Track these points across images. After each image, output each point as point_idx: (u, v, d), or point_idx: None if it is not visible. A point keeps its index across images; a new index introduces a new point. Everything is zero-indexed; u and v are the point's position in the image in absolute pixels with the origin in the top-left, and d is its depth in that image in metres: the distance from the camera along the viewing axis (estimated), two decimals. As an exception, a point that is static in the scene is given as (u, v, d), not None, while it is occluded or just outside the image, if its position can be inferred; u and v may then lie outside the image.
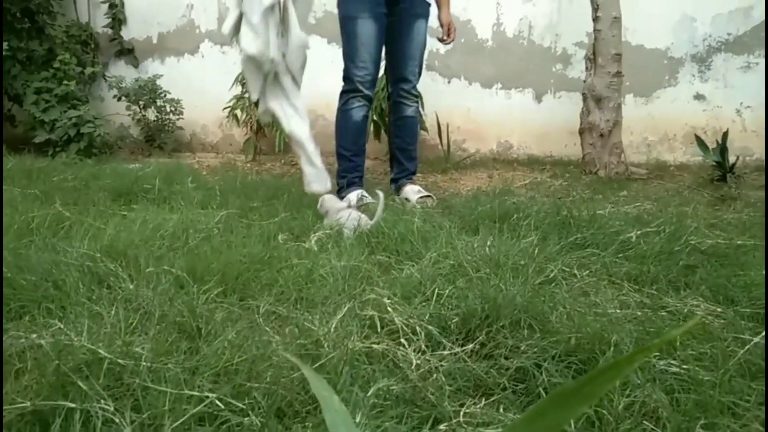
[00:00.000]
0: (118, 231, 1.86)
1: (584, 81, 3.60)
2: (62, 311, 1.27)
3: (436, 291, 1.44)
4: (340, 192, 2.89)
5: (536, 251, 1.77)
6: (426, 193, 2.87)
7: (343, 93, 2.90)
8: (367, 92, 2.82)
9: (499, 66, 4.25)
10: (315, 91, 4.38)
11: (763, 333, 1.24)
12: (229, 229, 2.06)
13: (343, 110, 2.90)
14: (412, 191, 2.90)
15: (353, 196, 2.76)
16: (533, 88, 4.23)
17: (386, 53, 2.93)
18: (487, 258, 1.74)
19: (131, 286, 1.36)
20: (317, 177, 2.50)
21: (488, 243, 1.83)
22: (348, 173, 2.91)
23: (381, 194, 2.18)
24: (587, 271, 1.69)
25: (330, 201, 2.34)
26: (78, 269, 1.50)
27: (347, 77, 2.85)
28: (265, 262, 1.70)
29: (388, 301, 1.32)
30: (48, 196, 2.43)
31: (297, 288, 1.51)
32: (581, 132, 3.61)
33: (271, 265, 1.69)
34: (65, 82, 4.05)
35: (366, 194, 2.79)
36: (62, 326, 1.14)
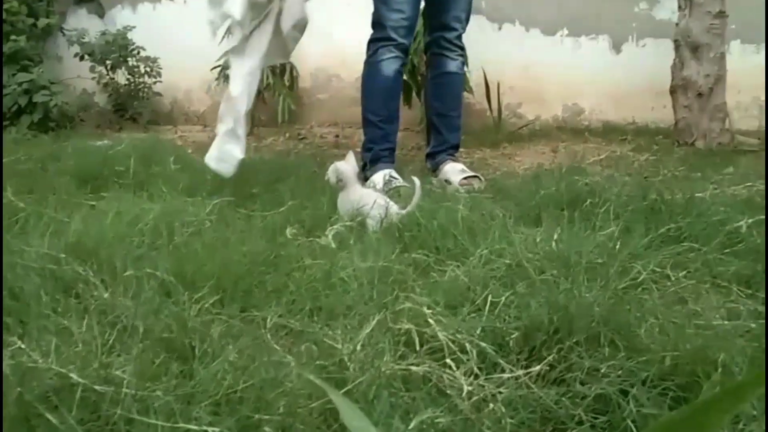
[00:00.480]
0: (86, 225, 1.90)
1: (676, 24, 3.55)
2: (22, 326, 1.31)
3: (489, 298, 1.45)
4: (364, 169, 2.92)
5: (617, 246, 1.76)
6: (471, 173, 2.88)
7: (371, 42, 2.92)
8: (402, 41, 2.85)
9: (565, 6, 4.21)
10: (326, 43, 4.43)
11: None
12: (224, 222, 2.09)
13: (371, 62, 2.91)
14: (454, 171, 2.91)
15: (379, 177, 2.79)
16: (609, 34, 4.18)
17: None
18: (554, 255, 1.74)
19: (106, 295, 1.40)
20: (226, 152, 2.53)
21: (554, 236, 1.82)
22: (375, 144, 2.94)
23: (417, 181, 2.17)
24: (684, 272, 1.68)
25: (348, 173, 2.26)
26: (39, 273, 1.54)
27: (377, 22, 2.88)
28: (270, 262, 1.73)
29: (428, 311, 1.33)
30: (-5, 184, 2.49)
31: (312, 295, 1.53)
32: (673, 91, 3.56)
33: (278, 266, 1.71)
34: (13, 37, 4.13)
35: (396, 175, 2.81)
36: (23, 345, 1.17)
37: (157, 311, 1.33)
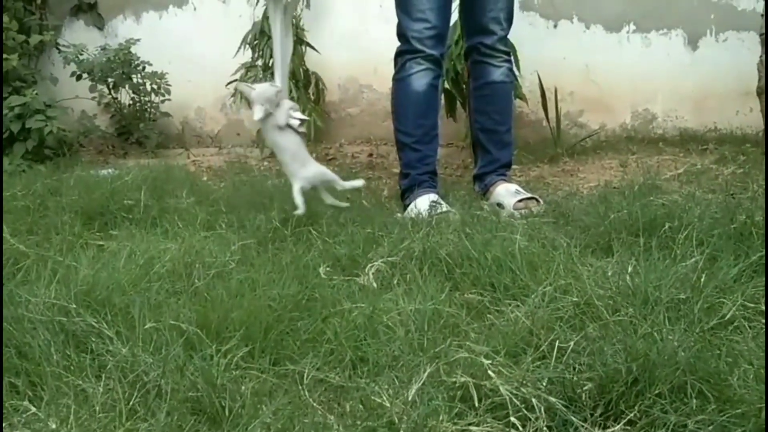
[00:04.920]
0: (95, 270, 1.97)
1: (762, 15, 3.54)
2: (33, 388, 1.36)
3: (557, 344, 1.47)
4: (403, 198, 2.96)
5: (702, 279, 1.77)
6: (527, 195, 2.90)
7: (397, 56, 2.98)
8: (430, 51, 2.88)
9: (631, -2, 4.24)
10: (355, 51, 4.49)
11: None
12: (249, 261, 2.14)
13: (399, 78, 2.97)
14: (508, 192, 2.93)
15: (423, 202, 2.82)
16: (684, 28, 4.18)
17: None
18: (629, 291, 1.75)
19: (124, 350, 1.45)
20: None
21: (629, 269, 1.84)
22: (412, 169, 2.97)
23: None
24: (781, 307, 1.69)
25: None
26: (47, 327, 1.60)
27: (401, 34, 2.94)
28: (303, 307, 1.77)
29: (487, 361, 1.36)
30: (-9, 222, 2.58)
31: (353, 344, 1.56)
32: (761, 92, 3.54)
33: (312, 311, 1.75)
34: (3, 55, 4.25)
35: (439, 201, 2.84)
36: (37, 410, 1.22)
37: (182, 368, 1.37)
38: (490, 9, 2.95)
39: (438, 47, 2.90)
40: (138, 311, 1.62)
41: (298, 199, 2.47)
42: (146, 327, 1.53)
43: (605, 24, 4.27)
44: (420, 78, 2.91)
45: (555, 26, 4.33)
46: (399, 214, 2.83)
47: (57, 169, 3.80)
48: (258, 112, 2.50)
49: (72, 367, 1.43)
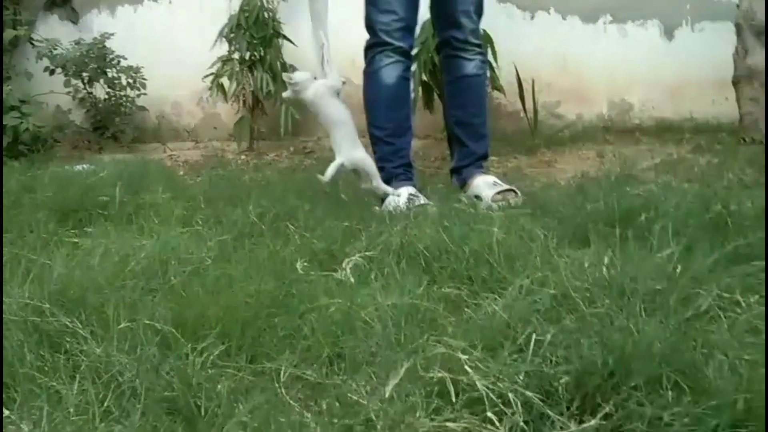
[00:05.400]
0: (70, 268, 1.94)
1: (738, 5, 3.57)
2: (6, 390, 1.34)
3: (534, 337, 1.47)
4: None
5: (678, 269, 1.77)
6: (505, 186, 2.90)
7: (367, 49, 3.00)
8: (398, 44, 2.89)
9: (607, -12, 4.25)
10: (334, 43, 4.46)
11: None
12: (226, 257, 2.13)
13: (369, 72, 2.98)
14: (485, 184, 2.94)
15: (400, 196, 2.82)
16: (660, 18, 4.21)
17: None
18: (605, 283, 1.75)
19: (98, 350, 1.43)
20: None
21: (605, 260, 1.84)
22: (386, 163, 2.96)
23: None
24: (756, 297, 1.69)
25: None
26: (20, 327, 1.58)
27: (369, 26, 2.94)
28: (280, 303, 1.76)
29: (464, 356, 1.35)
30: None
31: (330, 340, 1.55)
32: (736, 82, 3.58)
33: (289, 307, 1.74)
34: (-26, 51, 4.22)
35: (417, 193, 2.84)
36: (10, 413, 1.21)
37: (157, 367, 1.36)
38: (460, 2, 2.95)
39: (406, 39, 2.91)
40: (112, 310, 1.60)
41: (331, 171, 2.62)
42: (121, 327, 1.52)
43: (582, 15, 4.29)
44: (390, 70, 2.91)
45: (532, 17, 4.35)
46: (377, 208, 2.82)
47: (31, 166, 3.77)
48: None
49: (46, 368, 1.41)
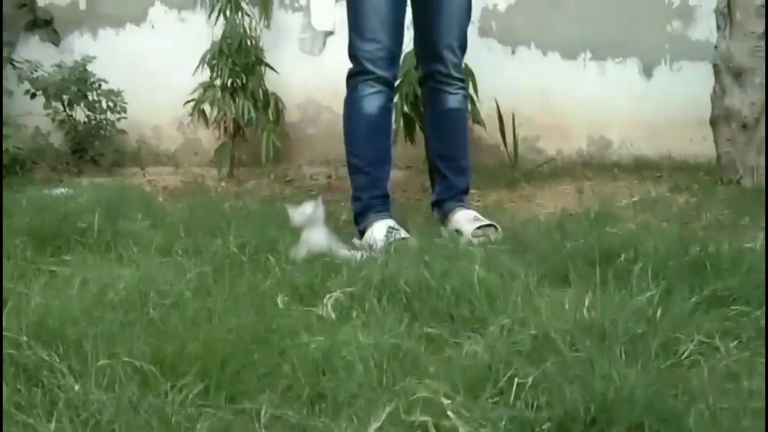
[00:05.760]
0: (47, 299, 1.93)
1: (716, 46, 3.62)
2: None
3: (516, 380, 1.47)
4: (356, 222, 2.96)
5: (659, 313, 1.79)
6: (486, 222, 2.91)
7: (349, 77, 2.96)
8: (381, 73, 2.87)
9: (588, 26, 4.29)
10: (316, 71, 4.50)
11: None
12: (205, 290, 2.11)
13: (351, 100, 2.96)
14: (466, 219, 2.95)
15: (376, 230, 2.81)
16: (639, 57, 4.25)
17: (413, 20, 3.02)
18: (586, 325, 1.76)
19: (77, 387, 1.42)
20: None
21: (586, 302, 1.85)
22: (363, 192, 2.95)
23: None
24: (735, 342, 1.71)
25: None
26: (-4, 360, 1.56)
27: (352, 54, 2.92)
28: (261, 338, 1.75)
29: (447, 401, 1.35)
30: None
31: (311, 380, 1.55)
32: (714, 122, 3.61)
33: (269, 343, 1.73)
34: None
35: (396, 226, 2.83)
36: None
37: (137, 407, 1.34)
38: (444, 37, 2.96)
39: (390, 69, 2.90)
40: (90, 345, 1.59)
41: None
42: (100, 364, 1.50)
43: (562, 51, 4.32)
44: (372, 101, 2.89)
45: (513, 52, 4.38)
46: (356, 240, 2.82)
47: (9, 189, 3.73)
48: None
49: (23, 404, 1.40)
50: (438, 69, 3.00)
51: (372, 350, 1.63)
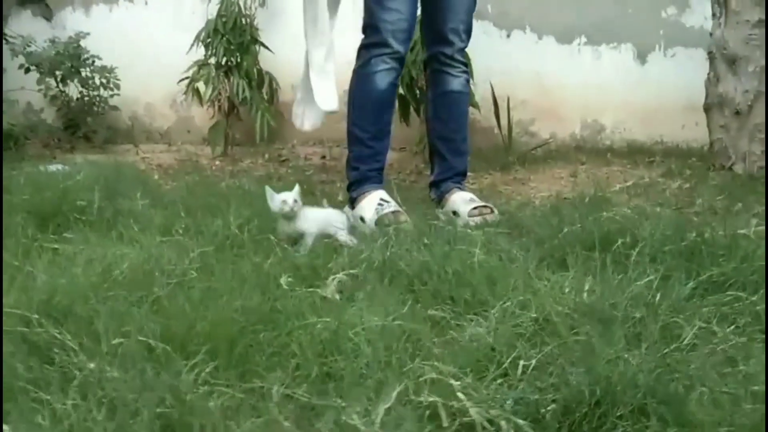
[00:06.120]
0: (53, 276, 1.94)
1: (711, 34, 3.66)
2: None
3: (521, 363, 1.51)
4: (350, 190, 3.03)
5: (657, 298, 1.83)
6: (482, 203, 2.95)
7: (363, 48, 2.98)
8: (398, 48, 2.91)
9: (583, 11, 4.32)
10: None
11: None
12: (209, 269, 2.14)
13: (363, 73, 2.97)
14: (463, 200, 2.98)
15: (369, 202, 2.88)
16: (633, 42, 4.28)
17: (421, 3, 3.03)
18: (586, 308, 1.80)
19: (91, 365, 1.44)
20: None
21: (585, 286, 1.89)
22: (362, 163, 3.01)
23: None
24: (732, 327, 1.75)
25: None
26: (9, 337, 1.58)
27: (371, 24, 2.93)
28: (267, 318, 1.77)
29: (457, 383, 1.39)
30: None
31: (319, 360, 1.58)
32: (707, 108, 3.65)
33: (276, 323, 1.76)
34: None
35: (388, 198, 2.90)
36: (8, 428, 1.21)
37: (152, 385, 1.37)
38: (450, 20, 3.00)
39: (406, 44, 2.93)
40: (102, 323, 1.61)
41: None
42: (113, 342, 1.52)
43: (557, 35, 4.35)
44: (384, 77, 2.93)
45: (508, 36, 4.40)
46: (348, 209, 2.93)
47: (4, 164, 3.73)
48: None
49: (38, 381, 1.42)
50: (443, 51, 3.04)
51: (378, 332, 1.66)
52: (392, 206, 2.83)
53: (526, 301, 1.84)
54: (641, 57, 4.28)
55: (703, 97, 3.68)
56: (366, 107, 3.00)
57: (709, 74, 3.64)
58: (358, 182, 2.98)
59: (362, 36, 2.96)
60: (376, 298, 1.90)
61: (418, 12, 3.01)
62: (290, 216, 2.45)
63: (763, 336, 1.72)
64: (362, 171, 2.99)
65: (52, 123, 4.80)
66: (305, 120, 2.58)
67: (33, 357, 1.53)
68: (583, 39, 4.32)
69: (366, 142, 3.00)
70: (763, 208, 2.89)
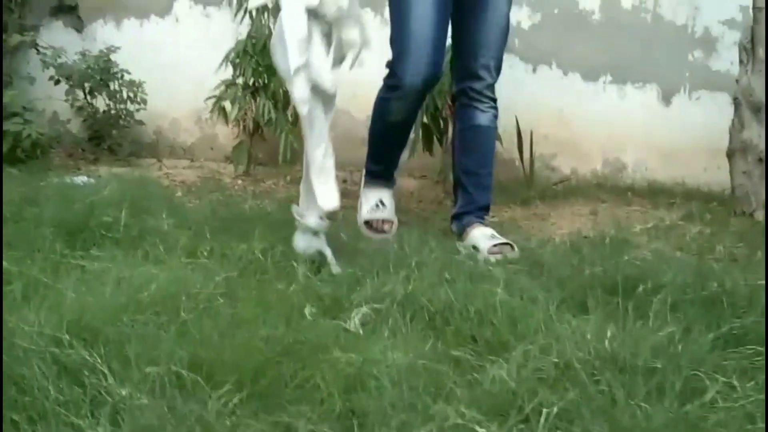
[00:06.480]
0: (81, 294, 1.98)
1: (737, 80, 3.67)
2: (32, 425, 1.37)
3: (544, 410, 1.52)
4: (364, 175, 3.31)
5: (679, 348, 1.84)
6: (502, 240, 2.97)
7: (386, 84, 3.07)
8: (413, 95, 2.99)
9: (610, 50, 4.35)
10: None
11: None
12: (233, 294, 2.17)
13: (381, 105, 3.10)
14: (483, 236, 3.00)
15: (371, 195, 3.21)
16: (659, 83, 4.30)
17: (452, 37, 3.10)
18: (607, 356, 1.81)
19: (123, 392, 1.47)
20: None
21: (608, 334, 1.90)
22: (376, 164, 3.28)
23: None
24: (751, 383, 1.75)
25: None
26: (40, 357, 1.61)
27: (392, 70, 3.02)
28: (291, 349, 1.80)
29: (481, 430, 1.41)
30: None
31: (343, 396, 1.60)
32: (730, 154, 3.66)
33: (299, 354, 1.78)
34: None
35: (388, 201, 3.19)
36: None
37: (184, 416, 1.39)
38: (482, 56, 3.06)
39: (427, 88, 3.00)
40: (132, 348, 1.64)
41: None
42: (147, 371, 1.55)
43: (583, 72, 4.37)
44: (399, 116, 3.06)
45: (534, 70, 4.43)
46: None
47: (30, 174, 3.79)
48: None
49: (68, 404, 1.45)
50: (472, 86, 3.09)
51: (402, 370, 1.68)
52: (386, 213, 3.18)
53: (547, 345, 1.86)
54: (666, 98, 4.30)
55: (726, 140, 3.69)
56: (382, 137, 3.22)
57: (733, 120, 3.65)
58: (370, 174, 3.28)
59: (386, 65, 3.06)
60: (399, 334, 1.93)
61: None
62: (320, 231, 2.54)
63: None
64: (376, 169, 3.27)
65: (77, 133, 4.85)
66: (309, 216, 2.67)
67: (63, 378, 1.55)
68: (609, 77, 4.34)
69: (381, 150, 3.25)
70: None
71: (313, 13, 2.49)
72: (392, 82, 2.99)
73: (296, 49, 2.44)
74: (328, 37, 2.57)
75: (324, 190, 2.59)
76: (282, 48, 2.48)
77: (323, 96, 2.59)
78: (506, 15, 3.08)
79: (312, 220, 2.53)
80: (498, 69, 3.11)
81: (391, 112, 3.04)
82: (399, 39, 2.95)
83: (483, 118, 3.12)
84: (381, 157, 3.27)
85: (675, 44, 4.25)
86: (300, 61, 2.45)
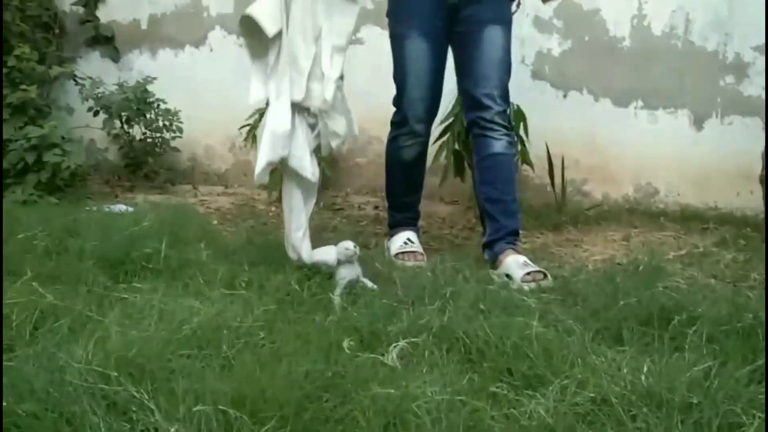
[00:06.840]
0: (125, 328, 2.03)
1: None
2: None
3: (582, 448, 1.54)
4: (389, 228, 3.49)
5: (715, 383, 1.85)
6: (535, 268, 2.98)
7: (392, 122, 3.34)
8: (418, 128, 3.25)
9: (641, 76, 4.35)
10: (366, 102, 4.58)
11: None
12: (272, 327, 2.21)
13: (391, 147, 3.38)
14: (517, 264, 3.02)
15: (398, 238, 3.33)
16: (690, 108, 4.30)
17: (455, 71, 3.25)
18: (644, 390, 1.83)
19: (172, 429, 1.51)
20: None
21: (644, 368, 1.92)
22: (397, 212, 3.47)
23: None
24: (787, 418, 1.76)
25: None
26: (88, 392, 1.66)
27: (396, 105, 3.29)
28: (331, 384, 1.83)
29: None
30: (14, 265, 2.63)
31: (383, 432, 1.63)
32: (763, 179, 3.66)
33: (339, 389, 1.81)
34: (23, 86, 4.33)
35: (414, 239, 3.32)
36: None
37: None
38: (484, 86, 3.14)
39: (424, 124, 3.28)
40: (179, 385, 1.68)
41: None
42: (195, 410, 1.59)
43: (614, 98, 4.38)
44: (408, 151, 3.32)
45: (565, 96, 4.44)
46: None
47: (69, 203, 3.87)
48: None
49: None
50: (481, 116, 3.16)
51: (441, 406, 1.71)
52: (414, 246, 3.28)
53: (584, 379, 1.87)
54: (697, 123, 4.29)
55: (759, 165, 3.69)
56: (396, 173, 3.43)
57: (766, 145, 3.65)
58: (393, 225, 3.46)
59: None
60: (436, 368, 1.95)
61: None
62: (352, 259, 2.65)
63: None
64: (398, 218, 3.46)
65: (113, 161, 4.95)
66: (302, 252, 2.78)
67: (113, 415, 1.60)
68: (640, 102, 4.34)
69: (399, 200, 3.47)
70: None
71: (297, 107, 2.70)
72: (397, 118, 3.28)
73: (279, 141, 2.70)
74: (313, 127, 2.80)
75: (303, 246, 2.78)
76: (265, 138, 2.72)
77: (305, 184, 2.73)
78: (503, 47, 3.16)
79: (331, 258, 2.68)
80: (503, 97, 3.17)
81: (403, 151, 3.30)
82: (398, 74, 3.23)
83: (497, 146, 3.16)
84: (401, 204, 3.46)
85: (706, 70, 4.25)
86: (282, 153, 2.72)
